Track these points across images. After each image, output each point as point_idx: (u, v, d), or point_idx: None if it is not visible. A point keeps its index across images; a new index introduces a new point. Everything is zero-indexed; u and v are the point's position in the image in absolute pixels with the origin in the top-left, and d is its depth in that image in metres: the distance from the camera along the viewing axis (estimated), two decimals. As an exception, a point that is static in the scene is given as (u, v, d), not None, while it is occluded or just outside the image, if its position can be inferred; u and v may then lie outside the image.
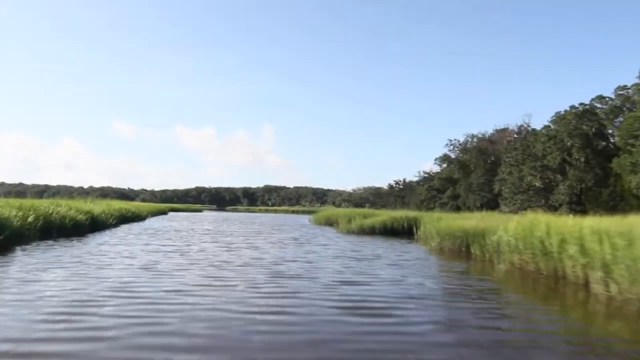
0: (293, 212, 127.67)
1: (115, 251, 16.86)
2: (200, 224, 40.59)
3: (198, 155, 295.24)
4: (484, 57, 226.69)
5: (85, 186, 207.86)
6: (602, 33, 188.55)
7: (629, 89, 51.75)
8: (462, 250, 21.18)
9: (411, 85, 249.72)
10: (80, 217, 25.34)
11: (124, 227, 31.79)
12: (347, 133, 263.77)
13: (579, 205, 48.13)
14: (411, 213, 36.11)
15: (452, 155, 73.01)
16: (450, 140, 72.01)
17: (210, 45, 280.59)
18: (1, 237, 15.95)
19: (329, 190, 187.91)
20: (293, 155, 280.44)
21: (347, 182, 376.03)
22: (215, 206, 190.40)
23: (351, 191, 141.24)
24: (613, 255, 10.80)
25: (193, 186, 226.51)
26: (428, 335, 7.01)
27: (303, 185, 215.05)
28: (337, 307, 8.57)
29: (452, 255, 20.01)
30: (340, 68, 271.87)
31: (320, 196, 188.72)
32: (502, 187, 55.90)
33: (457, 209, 65.45)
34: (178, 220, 46.47)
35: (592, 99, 54.12)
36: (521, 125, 68.51)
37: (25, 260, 13.72)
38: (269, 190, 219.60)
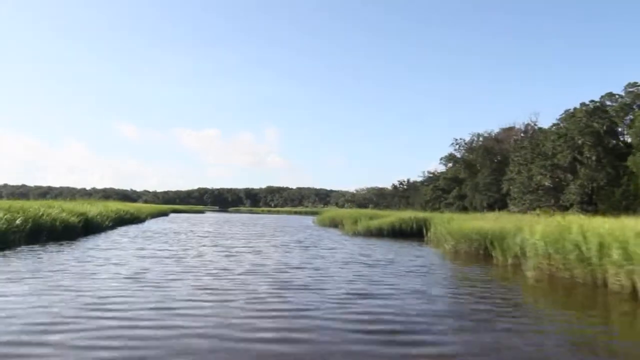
0: (296, 213, 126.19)
1: (104, 257, 15.34)
2: (200, 226, 39.09)
3: (200, 156, 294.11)
4: (485, 56, 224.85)
5: (88, 188, 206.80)
6: (602, 33, 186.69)
7: (639, 85, 50.23)
8: (479, 253, 19.67)
9: (412, 85, 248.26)
10: (73, 219, 23.84)
11: (121, 230, 30.31)
12: (349, 133, 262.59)
13: (590, 205, 46.57)
14: (420, 214, 34.53)
15: (458, 155, 71.34)
16: (456, 140, 70.42)
17: (211, 46, 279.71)
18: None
19: (331, 191, 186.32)
20: (295, 155, 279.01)
21: (350, 182, 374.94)
22: (217, 207, 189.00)
23: (354, 192, 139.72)
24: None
25: (195, 187, 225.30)
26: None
27: (305, 185, 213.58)
28: (356, 331, 7.01)
29: (469, 259, 18.47)
30: (341, 68, 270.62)
31: (323, 197, 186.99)
32: (511, 187, 54.26)
33: (464, 209, 63.93)
34: (178, 222, 45.00)
35: (602, 97, 52.57)
36: (527, 124, 66.97)
37: (0, 269, 12.23)
38: (272, 191, 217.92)
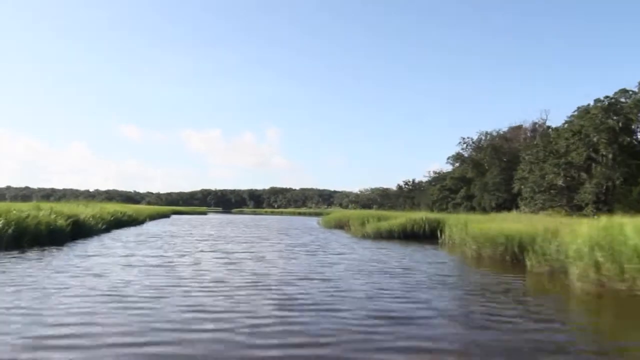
0: (299, 214, 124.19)
1: (86, 266, 13.34)
2: (201, 228, 37.09)
3: (203, 157, 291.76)
4: (486, 56, 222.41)
5: (92, 189, 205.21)
6: (602, 32, 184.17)
7: (654, 82, 48.10)
8: (505, 259, 17.63)
9: (412, 85, 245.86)
10: (60, 222, 21.87)
11: (116, 233, 28.34)
12: (350, 133, 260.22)
13: (606, 204, 44.46)
14: (431, 215, 32.46)
15: (465, 154, 69.27)
16: (464, 139, 68.25)
17: (212, 46, 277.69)
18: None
19: (335, 192, 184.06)
20: (298, 156, 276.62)
21: (353, 183, 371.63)
22: (221, 208, 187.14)
23: (358, 192, 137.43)
24: None
25: (199, 189, 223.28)
26: None
27: (309, 186, 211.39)
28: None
29: (494, 265, 16.42)
30: (341, 68, 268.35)
31: (327, 198, 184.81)
32: (522, 187, 52.14)
33: (471, 209, 61.94)
34: (179, 224, 42.99)
35: (616, 93, 50.49)
36: (535, 123, 64.88)
37: (-46, 283, 10.24)
38: (275, 192, 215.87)
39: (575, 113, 51.58)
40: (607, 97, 48.24)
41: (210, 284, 10.70)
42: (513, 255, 17.54)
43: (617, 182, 43.80)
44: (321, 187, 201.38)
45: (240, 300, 9.05)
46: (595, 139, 45.36)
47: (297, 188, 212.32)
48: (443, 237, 27.41)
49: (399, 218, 31.55)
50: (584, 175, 47.01)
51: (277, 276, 12.27)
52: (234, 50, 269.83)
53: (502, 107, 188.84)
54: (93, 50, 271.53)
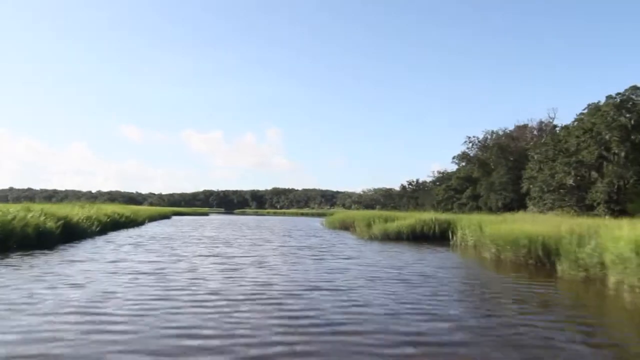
0: (302, 214, 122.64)
1: (67, 274, 11.85)
2: (201, 230, 35.58)
3: (205, 158, 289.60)
4: (487, 56, 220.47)
5: (94, 191, 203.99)
6: (602, 32, 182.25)
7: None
8: (527, 262, 16.11)
9: (413, 85, 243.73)
10: (50, 224, 20.40)
11: (112, 235, 26.86)
12: (352, 133, 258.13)
13: (618, 204, 42.90)
14: (441, 215, 30.90)
15: (471, 154, 67.72)
16: (469, 138, 66.65)
17: (213, 47, 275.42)
18: None
19: (337, 192, 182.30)
20: (300, 157, 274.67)
21: (355, 183, 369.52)
22: (223, 209, 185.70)
23: (361, 193, 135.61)
24: None
25: (201, 189, 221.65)
26: None
27: (311, 187, 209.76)
28: None
29: (518, 270, 14.90)
30: (342, 68, 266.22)
31: (329, 198, 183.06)
32: (531, 186, 50.58)
33: (477, 209, 60.41)
34: (179, 226, 41.48)
35: (626, 90, 48.94)
36: (542, 122, 63.26)
37: None
38: (277, 192, 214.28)
39: (585, 111, 50.08)
40: (618, 93, 46.68)
41: (204, 298, 9.16)
42: (537, 259, 16.05)
43: (630, 181, 42.30)
44: (323, 188, 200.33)
45: (238, 320, 7.51)
46: (607, 137, 43.81)
47: (300, 188, 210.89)
48: (455, 238, 25.93)
49: (407, 219, 30.03)
50: (594, 174, 45.48)
51: (282, 286, 10.74)
52: (234, 50, 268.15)
53: (502, 107, 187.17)
54: (93, 51, 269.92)
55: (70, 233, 22.28)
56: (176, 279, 11.43)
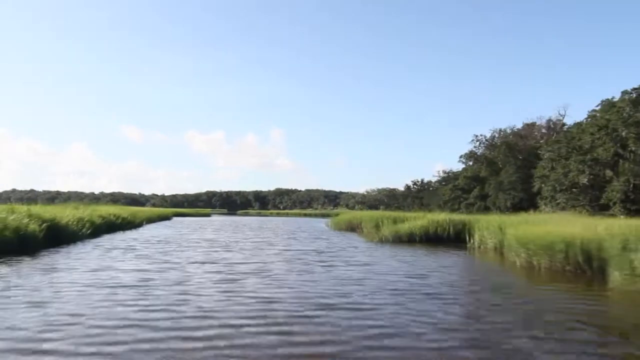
0: (305, 215, 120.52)
1: (34, 287, 9.86)
2: (201, 232, 33.58)
3: (208, 159, 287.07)
4: (490, 56, 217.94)
5: (97, 192, 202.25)
6: (603, 32, 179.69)
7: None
8: (565, 270, 14.10)
9: (415, 85, 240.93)
10: (32, 227, 18.45)
11: (105, 238, 24.88)
12: (355, 134, 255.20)
13: (634, 203, 40.84)
14: (456, 216, 28.87)
15: (478, 152, 65.68)
16: (476, 136, 64.59)
17: (213, 47, 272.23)
18: None
19: (340, 193, 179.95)
20: (303, 157, 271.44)
21: (358, 183, 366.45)
22: (226, 210, 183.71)
23: (364, 193, 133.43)
24: None
25: (204, 190, 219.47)
26: None
27: (314, 187, 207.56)
28: None
29: (558, 278, 12.92)
30: (345, 68, 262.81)
31: (332, 199, 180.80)
32: (543, 185, 48.50)
33: (486, 209, 58.37)
34: (178, 228, 39.45)
35: (640, 86, 46.95)
36: (549, 120, 61.12)
37: None
38: (280, 193, 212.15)
39: (598, 107, 48.07)
40: (634, 89, 44.62)
41: (190, 324, 7.13)
42: (576, 266, 14.04)
43: (648, 180, 40.26)
44: (326, 188, 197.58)
45: (230, 357, 5.51)
46: (623, 134, 41.74)
47: (302, 189, 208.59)
48: (472, 241, 23.91)
49: (418, 219, 28.00)
50: (609, 172, 43.43)
51: (288, 303, 8.73)
52: (235, 50, 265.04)
53: (504, 106, 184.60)
54: (93, 51, 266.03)
55: (57, 237, 20.32)
56: (161, 294, 9.41)
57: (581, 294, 10.52)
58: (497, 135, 64.50)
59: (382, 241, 25.34)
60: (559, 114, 58.30)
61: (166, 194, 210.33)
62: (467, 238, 24.02)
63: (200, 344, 6.01)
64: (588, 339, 6.75)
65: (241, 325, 7.03)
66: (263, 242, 24.18)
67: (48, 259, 15.17)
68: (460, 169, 73.06)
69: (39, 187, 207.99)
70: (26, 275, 11.51)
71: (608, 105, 45.45)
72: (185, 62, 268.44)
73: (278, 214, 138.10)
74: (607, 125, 43.31)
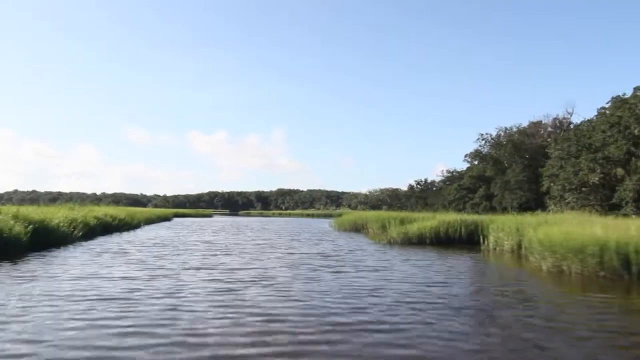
0: (308, 215, 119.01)
1: (-1, 302, 8.47)
2: (200, 233, 32.14)
3: (210, 159, 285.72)
4: (491, 56, 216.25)
5: (98, 193, 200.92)
6: (604, 32, 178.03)
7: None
8: (598, 275, 12.67)
9: (417, 85, 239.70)
10: (18, 229, 17.04)
11: (99, 241, 23.47)
12: (358, 134, 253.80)
13: (647, 203, 39.34)
14: (468, 216, 27.39)
15: (483, 151, 64.16)
16: (482, 135, 63.03)
17: (215, 48, 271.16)
18: None
19: (343, 193, 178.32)
20: (305, 157, 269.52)
21: (360, 184, 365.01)
22: (228, 210, 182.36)
23: (367, 193, 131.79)
24: None
25: (206, 191, 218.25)
26: None
27: (316, 188, 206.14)
28: None
29: (595, 287, 11.48)
30: (346, 68, 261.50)
31: (335, 199, 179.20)
32: (552, 184, 46.98)
33: (492, 209, 56.89)
34: (177, 229, 37.99)
35: (651, 82, 45.47)
36: (555, 118, 59.56)
37: None
38: (282, 193, 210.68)
39: (608, 104, 46.61)
40: (647, 85, 43.12)
41: (176, 354, 5.71)
42: (612, 271, 12.60)
43: (661, 178, 38.79)
44: (328, 188, 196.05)
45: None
46: (636, 131, 40.25)
47: (305, 189, 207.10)
48: (486, 242, 22.48)
49: (426, 220, 26.55)
50: (620, 170, 41.96)
51: (295, 323, 7.26)
52: (237, 51, 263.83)
53: (506, 105, 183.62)
54: (97, 52, 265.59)
55: (45, 240, 18.91)
56: (146, 311, 7.96)
57: (628, 309, 9.07)
58: (502, 134, 62.95)
59: (391, 243, 23.91)
60: (567, 111, 56.74)
61: (168, 195, 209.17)
62: (481, 240, 22.58)
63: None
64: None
65: (235, 357, 5.59)
66: (265, 245, 22.75)
67: (29, 264, 13.75)
68: (464, 169, 71.62)
69: (41, 188, 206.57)
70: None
71: (619, 102, 43.95)
72: (188, 62, 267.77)
73: (280, 215, 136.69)
74: (618, 122, 41.79)
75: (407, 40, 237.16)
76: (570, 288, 11.58)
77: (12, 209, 21.25)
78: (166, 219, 59.78)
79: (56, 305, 8.22)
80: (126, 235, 28.06)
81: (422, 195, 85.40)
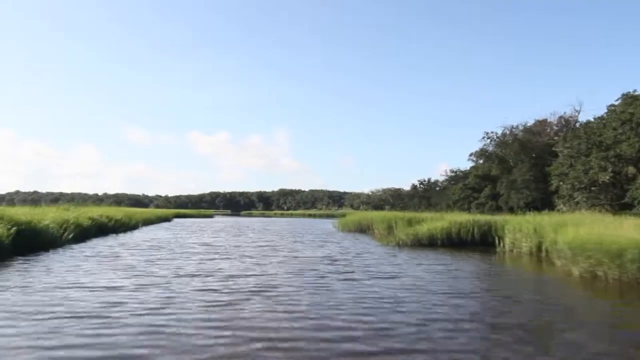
0: (310, 216, 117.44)
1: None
2: (200, 235, 30.68)
3: (212, 160, 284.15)
4: (492, 56, 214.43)
5: (100, 193, 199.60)
6: (604, 32, 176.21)
7: None
8: (639, 283, 11.23)
9: (419, 85, 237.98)
10: (0, 231, 15.63)
11: (92, 243, 22.02)
12: (359, 134, 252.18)
13: (660, 203, 37.86)
14: (480, 217, 25.91)
15: (489, 150, 62.66)
16: (487, 133, 61.52)
17: (219, 48, 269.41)
18: None
19: (345, 193, 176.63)
20: (307, 158, 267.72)
21: (362, 184, 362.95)
22: (229, 211, 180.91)
23: (369, 193, 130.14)
24: None
25: (207, 191, 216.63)
26: None
27: (318, 188, 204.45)
28: None
29: (632, 295, 10.00)
30: (348, 69, 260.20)
31: (337, 199, 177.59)
32: (562, 183, 45.48)
33: (498, 209, 55.41)
34: (176, 230, 36.49)
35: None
36: (561, 117, 58.05)
37: None
38: (284, 194, 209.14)
39: (618, 101, 45.13)
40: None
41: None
42: (657, 279, 11.16)
43: (675, 177, 37.35)
44: (330, 189, 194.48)
45: None
46: (649, 128, 38.83)
47: (306, 189, 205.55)
48: (502, 244, 21.04)
49: (436, 220, 25.09)
50: (632, 169, 40.45)
51: (304, 352, 5.80)
52: (238, 51, 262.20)
53: (507, 106, 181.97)
54: (98, 52, 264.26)
55: (31, 242, 17.48)
56: (123, 334, 6.48)
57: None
58: (508, 132, 61.43)
59: (400, 245, 22.44)
60: (574, 109, 55.22)
61: (170, 195, 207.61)
62: (497, 241, 21.14)
63: None
64: None
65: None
66: (267, 247, 21.30)
67: (6, 271, 12.33)
68: (468, 168, 70.12)
69: (43, 189, 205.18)
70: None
71: (629, 99, 42.50)
72: (188, 62, 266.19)
73: (282, 215, 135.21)
74: (630, 119, 40.29)
75: (407, 40, 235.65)
76: (612, 297, 10.12)
77: (-2, 209, 19.87)
78: (166, 219, 58.28)
79: (15, 327, 6.77)
80: (122, 237, 26.63)
81: (426, 195, 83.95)
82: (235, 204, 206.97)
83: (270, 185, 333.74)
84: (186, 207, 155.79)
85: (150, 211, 65.48)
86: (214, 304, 8.59)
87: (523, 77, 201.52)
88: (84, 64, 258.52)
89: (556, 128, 59.24)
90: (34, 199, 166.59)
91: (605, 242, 12.42)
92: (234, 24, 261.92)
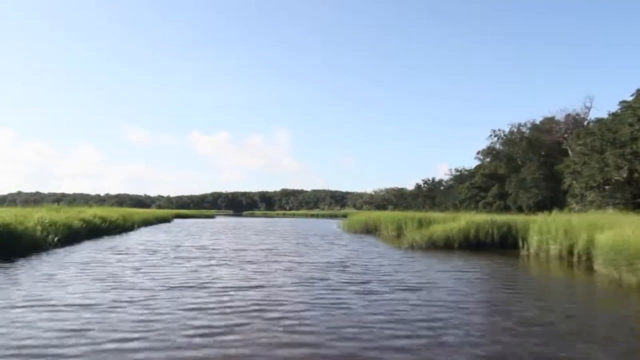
0: (312, 216, 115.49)
1: None
2: (199, 237, 28.74)
3: (213, 160, 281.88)
4: (493, 56, 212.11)
5: (102, 194, 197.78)
6: (605, 32, 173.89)
7: None
8: None
9: (420, 85, 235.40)
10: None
11: (81, 246, 20.15)
12: (361, 134, 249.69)
13: (678, 201, 36.04)
14: (498, 217, 23.95)
15: (497, 148, 60.70)
16: (494, 131, 59.57)
17: (219, 48, 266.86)
18: None
19: (347, 193, 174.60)
20: (309, 158, 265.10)
21: (364, 184, 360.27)
22: (232, 211, 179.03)
23: (372, 193, 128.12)
24: None
25: (209, 192, 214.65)
26: None
27: (320, 188, 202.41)
28: None
29: None
30: (349, 69, 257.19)
31: (339, 199, 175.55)
32: (574, 182, 43.49)
33: (506, 209, 53.44)
34: (174, 232, 34.53)
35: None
36: (569, 114, 55.97)
37: None
38: (287, 194, 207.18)
39: (632, 97, 43.20)
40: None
41: None
42: None
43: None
44: (333, 189, 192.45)
45: None
46: (666, 124, 36.87)
47: (309, 189, 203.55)
48: (526, 247, 19.14)
49: (449, 221, 23.17)
50: (646, 167, 38.48)
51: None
52: (239, 51, 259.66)
53: (509, 105, 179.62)
54: (98, 52, 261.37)
55: (10, 246, 15.63)
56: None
57: None
58: (515, 130, 59.46)
59: (413, 247, 20.52)
60: (585, 106, 53.22)
61: (172, 196, 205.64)
62: (520, 243, 19.24)
63: None
64: None
65: None
66: (270, 251, 19.37)
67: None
68: (473, 167, 68.20)
69: (45, 190, 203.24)
70: None
71: (646, 94, 40.63)
72: (188, 62, 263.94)
73: (284, 215, 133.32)
74: (648, 115, 38.33)
75: (407, 40, 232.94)
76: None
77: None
78: (165, 220, 56.30)
79: None
80: (116, 240, 24.73)
81: (430, 195, 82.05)
82: (237, 204, 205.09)
83: (271, 186, 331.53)
84: (188, 208, 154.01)
85: (149, 212, 63.60)
86: (204, 330, 6.67)
87: (523, 77, 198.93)
88: (84, 64, 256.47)
89: (565, 126, 57.21)
90: (37, 199, 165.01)
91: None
92: (234, 24, 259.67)
